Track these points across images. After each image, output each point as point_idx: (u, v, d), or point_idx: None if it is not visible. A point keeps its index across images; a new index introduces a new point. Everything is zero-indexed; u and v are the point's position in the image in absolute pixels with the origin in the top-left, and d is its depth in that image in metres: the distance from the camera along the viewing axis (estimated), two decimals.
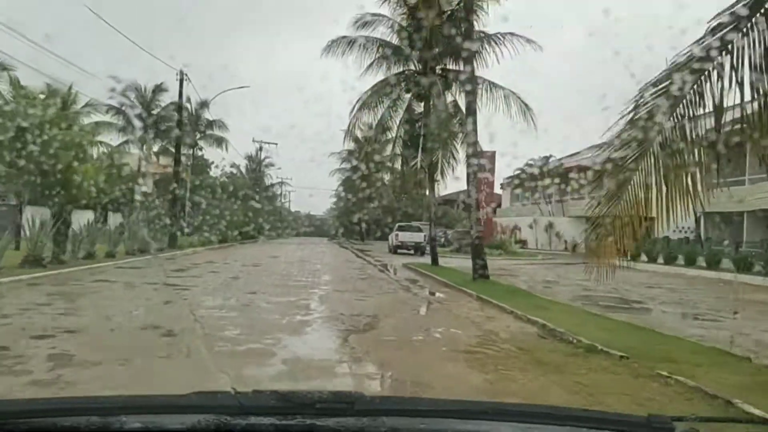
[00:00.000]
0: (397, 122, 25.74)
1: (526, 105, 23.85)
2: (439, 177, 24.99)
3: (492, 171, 40.98)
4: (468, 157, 19.05)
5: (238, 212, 43.84)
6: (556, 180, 43.81)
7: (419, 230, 40.06)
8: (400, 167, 26.00)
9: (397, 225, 40.85)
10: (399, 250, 38.61)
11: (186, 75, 30.06)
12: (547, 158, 47.08)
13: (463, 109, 25.26)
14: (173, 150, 45.01)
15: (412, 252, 38.55)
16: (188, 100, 48.31)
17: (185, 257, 26.39)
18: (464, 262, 30.54)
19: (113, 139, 40.21)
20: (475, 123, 18.68)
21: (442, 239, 49.80)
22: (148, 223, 37.78)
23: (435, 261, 25.27)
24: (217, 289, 15.07)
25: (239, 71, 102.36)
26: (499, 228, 50.93)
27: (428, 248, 37.30)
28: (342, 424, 1.46)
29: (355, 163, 56.16)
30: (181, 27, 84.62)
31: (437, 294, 16.58)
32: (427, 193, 25.51)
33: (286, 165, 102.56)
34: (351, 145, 60.07)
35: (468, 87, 19.43)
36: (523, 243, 48.63)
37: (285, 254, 32.59)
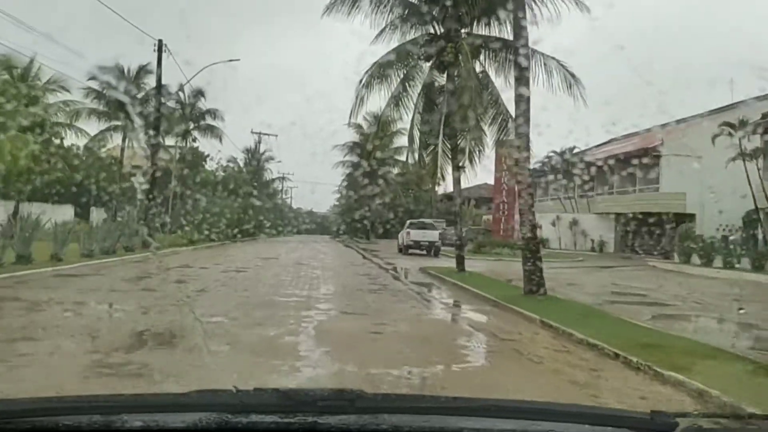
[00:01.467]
0: (414, 98, 20.90)
1: (572, 75, 18.96)
2: (466, 163, 20.17)
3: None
4: (519, 150, 13.96)
5: (232, 208, 39.25)
6: (583, 173, 38.95)
7: (433, 228, 35.25)
8: (416, 153, 21.04)
9: (408, 222, 36.00)
10: (410, 250, 33.84)
11: (166, 46, 25.23)
12: (570, 149, 42.15)
13: (494, 80, 20.59)
14: (164, 141, 40.60)
15: (424, 252, 33.77)
16: (181, 88, 44.11)
17: (158, 260, 21.65)
18: (490, 265, 25.75)
19: (95, 126, 35.55)
20: (528, 103, 13.81)
21: (454, 238, 45.14)
22: (117, 218, 33.24)
23: (461, 265, 20.42)
24: (162, 313, 10.12)
25: (241, 64, 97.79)
26: (517, 225, 45.95)
27: (452, 249, 32.70)
28: (344, 422, 1.43)
29: (359, 155, 51.53)
30: (181, 18, 79.76)
31: (486, 319, 11.66)
32: (452, 182, 20.71)
33: (287, 161, 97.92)
34: (356, 136, 55.86)
35: (519, 56, 14.45)
36: (544, 242, 43.75)
37: (281, 255, 27.78)
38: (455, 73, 20.17)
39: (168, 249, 26.19)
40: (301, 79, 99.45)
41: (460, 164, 20.29)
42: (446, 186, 24.50)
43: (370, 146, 49.52)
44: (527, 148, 13.54)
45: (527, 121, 13.53)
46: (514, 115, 21.57)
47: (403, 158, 54.78)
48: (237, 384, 1.62)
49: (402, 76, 20.71)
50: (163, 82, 33.25)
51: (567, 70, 18.87)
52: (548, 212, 46.53)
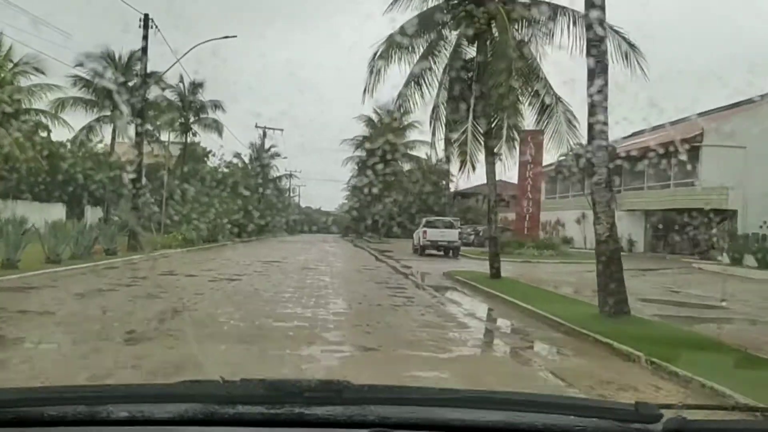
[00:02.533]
0: (439, 74, 17.45)
1: (629, 43, 15.44)
2: (503, 150, 16.71)
3: (540, 153, 32.86)
4: (595, 135, 10.30)
5: (234, 207, 35.98)
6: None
7: (451, 226, 31.78)
8: (440, 138, 17.51)
9: (424, 220, 32.52)
10: (427, 251, 30.43)
11: (152, 21, 21.83)
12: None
13: (536, 53, 17.10)
14: (159, 134, 37.28)
15: (441, 253, 30.36)
16: (181, 80, 40.78)
17: (140, 265, 18.35)
18: (521, 269, 22.22)
19: (82, 117, 32.21)
20: (606, 79, 10.28)
21: (472, 237, 41.66)
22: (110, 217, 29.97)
23: (496, 270, 16.93)
24: (79, 364, 6.76)
25: (243, 55, 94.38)
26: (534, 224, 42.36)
27: (469, 249, 29.20)
28: (330, 413, 1.42)
29: (369, 149, 48.11)
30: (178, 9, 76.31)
31: (568, 358, 7.99)
32: (486, 172, 17.16)
33: (295, 159, 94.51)
34: (366, 130, 52.44)
35: (593, 9, 10.86)
36: (568, 241, 40.28)
37: (285, 257, 24.39)
38: (488, 44, 16.75)
39: (158, 251, 22.90)
40: (308, 71, 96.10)
41: (495, 150, 16.84)
42: (468, 179, 20.93)
43: (380, 140, 46.21)
44: (604, 130, 10.06)
45: (605, 99, 10.06)
46: (553, 94, 18.35)
47: (416, 153, 51.41)
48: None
49: (425, 47, 17.27)
50: (156, 68, 30.01)
51: (622, 36, 15.36)
52: (572, 209, 42.98)
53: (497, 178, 43.62)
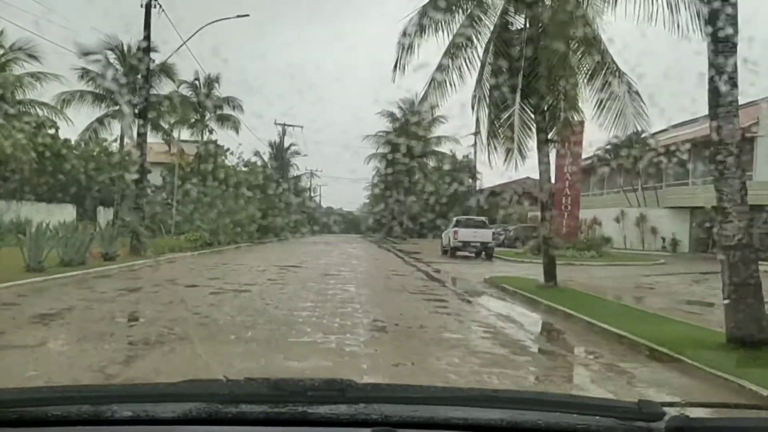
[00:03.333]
0: (480, 50, 14.73)
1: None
2: (558, 132, 13.95)
3: (580, 144, 29.86)
4: (726, 113, 7.42)
5: (251, 207, 33.60)
6: (651, 161, 32.37)
7: (484, 226, 28.97)
8: (483, 123, 14.71)
9: (454, 219, 29.77)
10: (458, 252, 27.70)
11: (158, 4, 19.34)
12: (637, 133, 35.30)
13: (595, 22, 14.29)
14: (173, 131, 34.98)
15: (473, 254, 27.61)
16: (196, 77, 38.51)
17: (140, 272, 15.87)
18: (570, 274, 19.26)
19: (89, 113, 29.91)
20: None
21: (501, 237, 38.75)
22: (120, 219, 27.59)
23: (551, 276, 14.13)
24: None
25: (266, 55, 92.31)
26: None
27: (515, 250, 26.31)
28: (333, 412, 1.40)
29: (393, 145, 45.44)
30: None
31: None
32: (537, 161, 14.41)
33: (315, 158, 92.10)
34: (389, 125, 49.83)
35: None
36: (607, 241, 37.21)
37: (304, 261, 21.82)
38: (539, 11, 14.00)
39: (167, 255, 20.46)
40: (330, 68, 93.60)
41: (550, 136, 14.07)
42: (508, 170, 18.06)
43: (405, 135, 43.61)
44: (733, 100, 7.25)
45: (735, 71, 7.25)
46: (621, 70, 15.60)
47: (442, 149, 48.67)
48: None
49: (463, 17, 14.58)
50: (171, 61, 27.68)
51: None
52: (609, 207, 39.93)
53: (525, 175, 40.47)
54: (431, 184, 46.42)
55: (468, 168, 45.90)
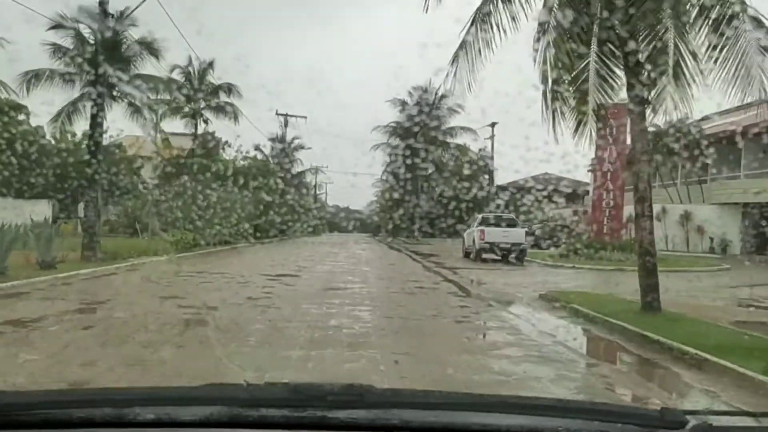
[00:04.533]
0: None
1: None
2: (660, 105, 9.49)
3: (624, 129, 25.12)
4: None
5: (247, 204, 29.39)
6: (696, 152, 27.79)
7: (515, 224, 24.50)
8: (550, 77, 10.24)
9: (479, 217, 25.28)
10: (484, 255, 23.29)
11: None
12: (681, 120, 30.64)
13: None
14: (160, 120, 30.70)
15: (500, 257, 23.18)
16: (190, 63, 34.30)
17: (75, 284, 11.49)
18: (634, 282, 14.55)
19: (58, 94, 25.54)
20: None
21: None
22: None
23: (652, 296, 9.65)
24: None
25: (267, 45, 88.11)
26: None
27: (542, 251, 21.70)
28: (353, 417, 1.38)
29: (404, 136, 41.06)
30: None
31: None
32: (630, 129, 9.93)
33: (321, 155, 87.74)
34: (400, 116, 45.47)
35: None
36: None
37: (303, 267, 17.41)
38: None
39: (133, 260, 16.14)
40: (336, 59, 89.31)
41: (646, 94, 9.59)
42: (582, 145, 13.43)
43: (418, 124, 39.20)
44: None
45: None
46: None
47: (457, 141, 44.13)
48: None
49: None
50: (168, 56, 23.36)
51: None
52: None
53: (545, 171, 35.58)
54: (445, 181, 42.01)
55: (485, 162, 41.38)
